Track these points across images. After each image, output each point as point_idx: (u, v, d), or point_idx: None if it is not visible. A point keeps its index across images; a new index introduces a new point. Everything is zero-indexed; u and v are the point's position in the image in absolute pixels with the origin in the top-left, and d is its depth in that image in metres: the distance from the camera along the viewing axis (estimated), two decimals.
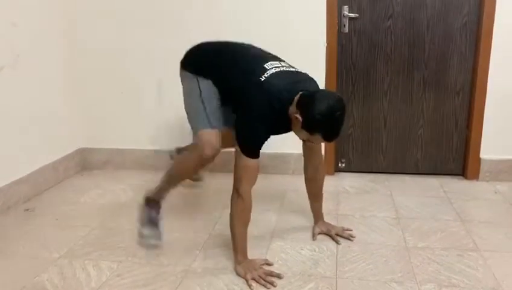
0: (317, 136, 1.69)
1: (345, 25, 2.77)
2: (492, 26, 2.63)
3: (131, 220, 2.38)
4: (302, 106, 1.70)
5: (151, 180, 2.89)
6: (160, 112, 3.06)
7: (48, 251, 2.06)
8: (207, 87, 1.90)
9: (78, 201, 2.67)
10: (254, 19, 2.81)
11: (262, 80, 1.75)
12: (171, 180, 2.09)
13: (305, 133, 1.72)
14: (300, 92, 1.73)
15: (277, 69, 1.81)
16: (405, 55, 2.79)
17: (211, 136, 1.87)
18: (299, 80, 1.83)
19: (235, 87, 1.84)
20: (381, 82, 2.85)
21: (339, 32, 2.78)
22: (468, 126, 2.83)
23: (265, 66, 1.81)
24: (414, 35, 2.76)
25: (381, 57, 2.81)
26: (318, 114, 1.64)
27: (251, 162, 1.77)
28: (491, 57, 2.67)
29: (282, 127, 1.82)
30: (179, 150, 2.44)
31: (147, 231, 2.09)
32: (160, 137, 3.03)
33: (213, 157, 1.89)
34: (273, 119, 1.75)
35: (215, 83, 1.90)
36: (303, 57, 2.72)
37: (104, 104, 3.14)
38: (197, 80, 1.91)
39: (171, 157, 2.53)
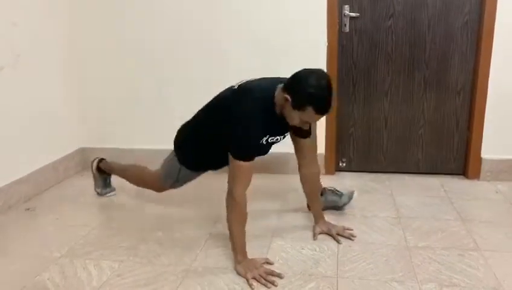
0: (309, 111, 1.69)
1: (345, 25, 2.77)
2: (494, 26, 2.63)
3: (132, 219, 2.39)
4: (289, 86, 1.72)
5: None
6: (161, 111, 3.06)
7: (49, 250, 2.07)
8: (187, 174, 2.18)
9: (79, 201, 2.67)
10: (254, 19, 2.81)
11: (235, 87, 1.85)
12: (123, 174, 2.53)
13: (296, 114, 1.72)
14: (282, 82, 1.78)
15: (249, 79, 1.90)
16: (406, 55, 2.79)
17: (169, 186, 2.25)
18: (276, 78, 1.87)
19: (214, 113, 1.94)
20: (382, 82, 2.85)
21: (339, 32, 2.78)
22: (469, 127, 2.83)
23: (232, 85, 1.92)
24: (415, 35, 2.75)
25: (382, 57, 2.81)
26: (308, 87, 1.66)
27: (245, 165, 1.78)
28: (492, 57, 2.66)
29: (276, 125, 1.83)
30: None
31: (105, 190, 2.67)
32: (160, 137, 3.02)
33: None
34: (261, 118, 1.76)
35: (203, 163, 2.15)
36: (303, 57, 2.74)
37: (104, 104, 3.14)
38: (179, 167, 2.16)
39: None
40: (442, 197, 2.60)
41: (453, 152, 2.91)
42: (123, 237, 2.18)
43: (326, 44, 2.77)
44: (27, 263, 1.97)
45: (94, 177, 2.70)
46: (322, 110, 1.71)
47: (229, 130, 1.78)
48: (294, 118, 1.75)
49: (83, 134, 3.19)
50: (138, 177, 2.44)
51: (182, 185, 2.24)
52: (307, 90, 1.67)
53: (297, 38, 2.77)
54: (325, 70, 2.77)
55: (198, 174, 2.22)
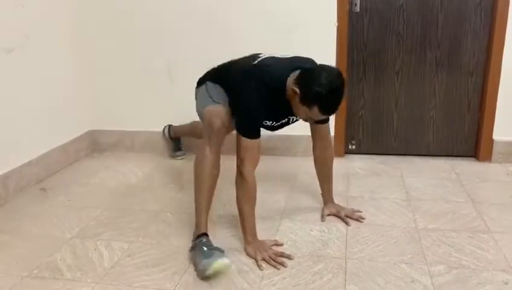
0: (315, 109, 1.68)
1: (356, 4, 2.72)
2: (508, 5, 2.56)
3: (142, 201, 2.41)
4: (300, 80, 1.70)
5: (161, 162, 2.93)
6: (170, 93, 3.05)
7: (61, 231, 2.10)
8: (213, 85, 1.96)
9: (89, 182, 2.70)
10: None
11: (255, 63, 1.82)
12: (199, 199, 1.92)
13: (303, 109, 1.71)
14: (299, 70, 1.74)
15: (272, 55, 1.87)
16: (417, 34, 2.74)
17: (216, 109, 1.86)
18: (296, 59, 1.85)
19: (231, 79, 1.88)
20: (392, 62, 2.80)
21: (350, 12, 2.73)
22: (481, 108, 2.79)
23: (258, 55, 1.89)
24: (427, 14, 2.70)
25: (393, 37, 2.76)
26: (317, 86, 1.64)
27: (251, 142, 1.78)
28: (506, 37, 2.61)
29: (281, 109, 1.82)
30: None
31: (205, 261, 1.72)
32: (170, 119, 3.03)
33: (223, 129, 1.85)
34: (269, 98, 1.75)
35: (221, 84, 1.95)
36: (313, 37, 2.70)
37: (114, 86, 3.14)
38: (205, 84, 2.00)
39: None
40: (453, 179, 2.58)
41: (464, 134, 2.88)
42: (133, 218, 2.20)
43: (336, 24, 2.72)
44: (39, 243, 2.00)
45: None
46: (327, 111, 1.70)
47: (237, 105, 1.81)
48: (301, 112, 1.75)
49: (93, 116, 3.20)
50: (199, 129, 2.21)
51: (218, 99, 1.91)
52: (316, 88, 1.64)
53: (307, 18, 2.73)
54: (335, 51, 2.76)
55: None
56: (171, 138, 2.99)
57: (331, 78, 1.66)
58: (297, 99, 1.70)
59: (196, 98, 2.07)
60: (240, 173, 1.81)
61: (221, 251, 1.75)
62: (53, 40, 2.84)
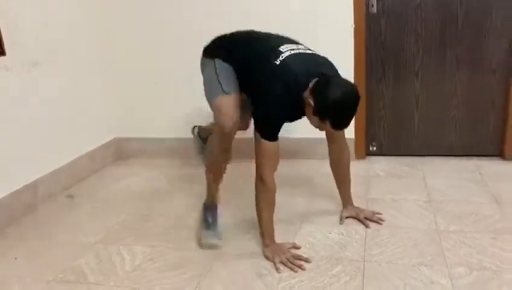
0: (327, 123, 1.68)
1: (373, 5, 2.70)
2: None
3: (164, 206, 2.47)
4: (315, 92, 1.69)
5: (185, 168, 2.97)
6: (194, 100, 3.08)
7: (86, 236, 2.17)
8: (222, 65, 1.91)
9: (115, 189, 2.78)
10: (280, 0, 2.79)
11: (278, 63, 1.75)
12: (209, 173, 2.10)
13: (315, 119, 1.72)
14: (316, 78, 1.72)
15: (292, 52, 1.79)
16: (436, 32, 2.70)
17: (227, 105, 1.85)
18: (315, 63, 1.81)
19: (251, 71, 1.85)
20: (412, 62, 2.77)
21: (367, 13, 2.72)
22: (505, 106, 2.72)
23: (280, 49, 1.80)
24: (446, 12, 2.65)
25: (411, 36, 2.72)
26: (330, 101, 1.64)
27: (270, 145, 1.78)
28: None
29: (298, 112, 1.82)
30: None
31: (205, 232, 2.04)
32: (192, 126, 3.07)
33: (234, 127, 1.88)
34: (289, 103, 1.75)
35: (232, 65, 1.91)
36: (330, 39, 2.69)
37: (138, 94, 3.21)
38: (214, 62, 1.93)
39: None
40: (477, 180, 2.53)
41: (488, 133, 2.81)
42: (155, 223, 2.25)
43: (353, 26, 2.72)
44: (66, 248, 2.07)
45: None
46: (337, 126, 1.71)
47: (259, 105, 1.79)
48: (313, 121, 1.75)
49: (118, 124, 3.29)
50: (209, 149, 2.25)
51: (228, 86, 1.89)
52: (330, 103, 1.64)
53: (323, 20, 2.73)
54: (353, 52, 2.75)
55: (233, 72, 1.92)
56: (200, 137, 2.68)
57: (346, 94, 1.66)
58: (311, 110, 1.71)
59: (203, 73, 2.01)
60: (259, 177, 1.82)
61: (219, 231, 2.05)
62: (79, 51, 2.93)
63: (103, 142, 3.20)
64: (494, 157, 2.82)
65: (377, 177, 2.68)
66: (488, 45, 2.66)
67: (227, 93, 1.86)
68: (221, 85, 1.88)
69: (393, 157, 2.93)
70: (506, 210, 2.15)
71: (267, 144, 1.78)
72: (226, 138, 1.91)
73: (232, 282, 1.72)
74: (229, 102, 1.86)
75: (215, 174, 2.08)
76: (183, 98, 3.12)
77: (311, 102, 1.68)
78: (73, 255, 1.99)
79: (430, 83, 2.79)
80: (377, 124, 2.93)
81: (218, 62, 1.92)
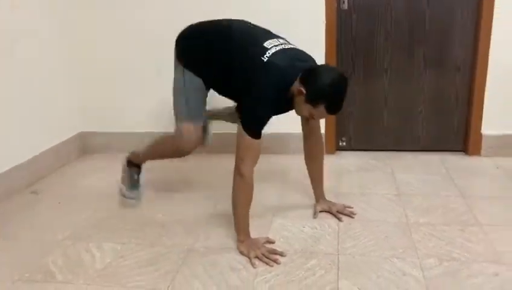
0: (321, 108, 1.70)
1: (344, 1, 2.73)
2: (494, 0, 2.59)
3: (133, 203, 2.39)
4: (307, 80, 1.71)
5: (152, 164, 2.91)
6: (160, 94, 3.04)
7: (52, 233, 2.08)
8: (193, 80, 1.94)
9: (80, 185, 2.69)
10: None
11: (265, 60, 1.74)
12: (148, 154, 2.27)
13: (308, 107, 1.73)
14: (303, 70, 1.74)
15: (277, 48, 1.79)
16: (405, 30, 2.76)
17: (191, 132, 1.97)
18: (300, 58, 1.83)
19: (236, 70, 1.83)
20: (381, 59, 2.82)
21: (338, 9, 2.74)
22: (469, 103, 2.81)
23: (264, 45, 1.80)
24: (414, 11, 2.72)
25: (381, 34, 2.78)
26: (324, 85, 1.67)
27: (255, 141, 1.77)
28: (492, 32, 2.64)
29: (284, 107, 1.83)
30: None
31: (128, 191, 2.31)
32: (160, 120, 3.02)
33: (190, 152, 2.04)
34: (277, 99, 1.75)
35: (205, 79, 1.93)
36: (302, 35, 2.68)
37: (103, 87, 3.13)
38: (184, 72, 1.95)
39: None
40: (443, 174, 2.60)
41: (453, 129, 2.90)
42: (125, 220, 2.19)
43: (324, 22, 2.73)
44: (31, 246, 1.98)
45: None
46: (333, 109, 1.73)
47: (247, 101, 1.78)
48: (303, 110, 1.76)
49: (83, 118, 3.19)
50: (160, 145, 2.21)
51: (196, 110, 1.97)
52: (324, 88, 1.68)
53: (295, 15, 2.74)
54: (324, 48, 2.77)
55: (203, 89, 1.98)
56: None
57: (337, 78, 1.71)
58: (302, 98, 1.71)
59: (174, 70, 2.00)
60: (239, 172, 1.80)
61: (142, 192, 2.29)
62: (43, 42, 2.82)
63: (67, 137, 3.09)
64: (458, 152, 2.92)
65: (347, 171, 2.72)
66: (453, 44, 2.74)
67: (191, 120, 1.96)
68: (189, 112, 1.96)
69: (363, 152, 2.98)
70: (471, 203, 2.22)
71: (251, 140, 1.76)
72: (179, 154, 2.09)
73: (208, 277, 1.70)
74: (192, 130, 1.97)
75: (154, 158, 2.27)
76: (150, 92, 3.06)
77: (303, 90, 1.68)
78: (40, 253, 1.91)
79: (399, 80, 2.85)
80: (347, 120, 2.96)
81: (189, 75, 1.94)
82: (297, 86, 1.72)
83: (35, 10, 2.75)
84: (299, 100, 1.73)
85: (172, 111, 2.04)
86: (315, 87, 1.68)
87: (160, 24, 2.91)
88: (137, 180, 2.31)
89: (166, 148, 2.16)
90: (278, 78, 1.73)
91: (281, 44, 1.83)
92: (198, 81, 1.94)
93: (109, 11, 2.96)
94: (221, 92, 2.00)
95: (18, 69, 2.61)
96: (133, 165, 2.30)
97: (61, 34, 2.97)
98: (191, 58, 1.97)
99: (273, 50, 1.77)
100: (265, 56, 1.75)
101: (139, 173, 2.31)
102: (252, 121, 1.77)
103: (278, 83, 1.73)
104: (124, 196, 2.31)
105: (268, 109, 1.76)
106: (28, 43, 2.68)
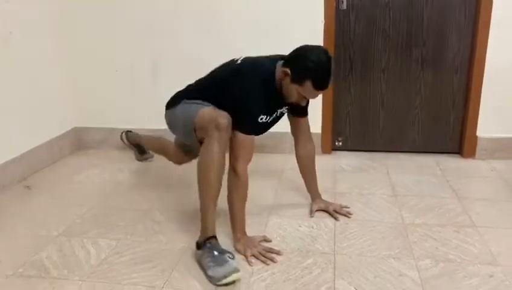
0: (308, 85, 1.71)
1: (343, 2, 2.73)
2: (492, 2, 2.60)
3: (129, 199, 2.39)
4: (289, 60, 1.76)
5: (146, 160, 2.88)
6: (155, 90, 3.02)
7: (46, 229, 2.06)
8: (192, 101, 1.90)
9: (75, 180, 2.66)
10: None
11: (239, 62, 1.85)
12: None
13: (295, 88, 1.74)
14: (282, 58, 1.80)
15: (249, 55, 1.89)
16: (403, 32, 2.76)
17: (210, 110, 1.78)
18: (275, 54, 1.88)
19: (222, 83, 1.84)
20: (378, 60, 2.83)
21: (336, 9, 2.74)
22: (465, 105, 2.83)
23: (234, 58, 1.91)
24: (412, 12, 2.73)
25: (379, 34, 2.78)
26: (307, 61, 1.69)
27: (248, 139, 1.78)
28: (489, 35, 2.65)
29: (272, 100, 1.84)
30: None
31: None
32: (154, 116, 2.99)
33: (229, 123, 1.73)
34: (265, 90, 1.77)
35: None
36: (300, 35, 2.69)
37: (98, 82, 3.10)
38: (182, 103, 1.93)
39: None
40: (438, 176, 2.62)
41: (449, 131, 2.92)
42: (120, 216, 2.17)
43: (323, 22, 2.74)
44: (24, 241, 1.96)
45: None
46: (320, 85, 1.73)
47: (235, 103, 1.77)
48: (293, 93, 1.77)
49: (77, 113, 3.16)
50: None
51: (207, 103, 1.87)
52: (307, 64, 1.69)
53: (294, 14, 2.74)
54: None
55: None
56: (131, 143, 2.84)
57: (319, 53, 1.72)
58: (288, 80, 1.74)
59: (172, 119, 1.99)
60: (233, 170, 1.80)
61: (232, 256, 1.72)
62: (37, 36, 2.78)
63: (61, 132, 3.06)
64: (453, 155, 2.93)
65: (343, 171, 2.72)
66: (450, 46, 2.75)
67: (207, 105, 1.81)
68: (198, 104, 1.84)
69: (358, 152, 2.99)
70: (466, 205, 2.23)
71: (245, 137, 1.77)
72: (224, 135, 1.72)
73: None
74: (212, 109, 1.79)
75: (213, 192, 1.75)
76: (145, 88, 3.04)
77: (288, 70, 1.72)
78: (34, 249, 1.88)
79: (396, 81, 2.86)
80: (343, 120, 2.97)
81: (186, 101, 1.93)
82: (281, 69, 1.75)
83: (31, 2, 2.71)
84: (286, 83, 1.76)
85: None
86: (299, 65, 1.71)
87: (158, 18, 2.89)
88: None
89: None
90: (259, 69, 1.79)
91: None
92: (199, 101, 1.89)
93: (106, 5, 2.93)
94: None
95: (12, 63, 2.58)
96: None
97: (56, 27, 2.94)
98: (186, 96, 1.97)
99: (243, 56, 1.89)
100: (238, 60, 1.86)
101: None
102: (245, 117, 1.77)
103: (260, 73, 1.78)
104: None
105: (259, 102, 1.77)
106: (23, 37, 2.65)
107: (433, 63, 2.80)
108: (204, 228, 1.76)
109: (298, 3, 2.73)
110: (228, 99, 1.79)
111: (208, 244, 1.72)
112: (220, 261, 1.65)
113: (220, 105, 1.79)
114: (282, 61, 1.80)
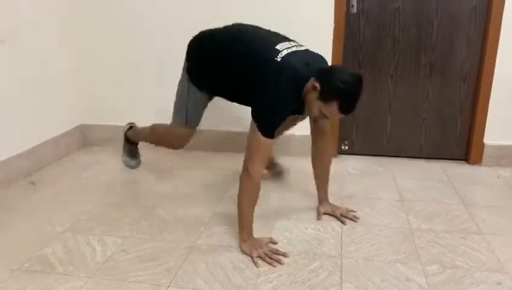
0: (333, 106, 1.67)
1: (353, 5, 2.73)
2: (502, 11, 2.60)
3: (134, 196, 2.40)
4: (321, 76, 1.70)
5: (153, 157, 2.89)
6: (161, 88, 3.01)
7: (51, 225, 2.06)
8: (195, 93, 2.06)
9: (80, 177, 2.66)
10: None
11: (279, 60, 1.75)
12: (144, 138, 2.57)
13: (319, 104, 1.71)
14: (317, 70, 1.74)
15: (289, 50, 1.80)
16: (413, 37, 2.76)
17: (184, 135, 2.19)
18: (313, 59, 1.83)
19: (248, 72, 1.82)
20: (387, 64, 2.82)
21: (347, 13, 2.74)
22: (473, 112, 2.82)
23: (277, 47, 1.80)
24: (422, 18, 2.72)
25: (388, 39, 2.78)
26: (339, 81, 1.65)
27: (267, 141, 1.76)
28: (499, 43, 2.64)
29: (296, 108, 1.81)
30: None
31: (128, 158, 2.75)
32: (160, 114, 2.99)
33: (182, 148, 2.29)
34: (291, 98, 1.74)
35: (215, 85, 2.02)
36: (309, 37, 2.69)
37: (105, 80, 3.10)
38: (189, 85, 2.06)
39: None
40: (444, 182, 2.61)
41: (455, 137, 2.90)
42: (125, 213, 2.17)
43: (333, 25, 2.73)
44: (29, 237, 1.96)
45: (123, 147, 2.80)
46: (345, 108, 1.69)
47: (261, 100, 1.75)
48: (315, 108, 1.73)
49: (83, 110, 3.16)
50: (160, 134, 2.42)
51: (193, 120, 2.14)
52: (338, 84, 1.65)
53: (303, 19, 2.73)
54: (331, 51, 2.76)
55: (205, 102, 2.14)
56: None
57: (353, 77, 1.68)
58: (314, 94, 1.70)
59: (181, 76, 2.13)
60: (247, 171, 1.78)
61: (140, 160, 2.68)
62: (44, 32, 2.79)
63: (67, 129, 3.06)
64: (459, 161, 2.92)
65: (349, 175, 2.71)
66: (459, 53, 2.75)
67: (186, 125, 2.14)
68: (185, 116, 2.12)
69: (364, 156, 2.98)
70: (473, 211, 2.22)
71: (264, 139, 1.75)
72: (172, 148, 2.40)
73: (211, 275, 1.68)
74: (185, 133, 2.18)
75: (153, 142, 2.49)
76: (151, 86, 3.04)
77: (317, 85, 1.67)
78: (39, 244, 1.88)
79: (404, 86, 2.85)
80: (350, 124, 2.96)
81: (193, 88, 2.06)
82: (312, 81, 1.71)
83: (37, 1, 2.72)
84: (311, 97, 1.71)
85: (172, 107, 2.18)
86: (330, 84, 1.66)
87: (163, 16, 2.89)
88: (137, 152, 2.75)
89: (161, 140, 2.43)
90: (293, 78, 1.72)
91: (293, 46, 1.84)
92: (201, 95, 2.07)
93: (111, 4, 2.94)
94: (232, 98, 2.03)
95: (20, 59, 2.59)
96: (131, 142, 2.69)
97: (62, 25, 2.94)
98: (199, 77, 2.05)
99: (285, 52, 1.78)
100: (278, 57, 1.75)
101: (136, 146, 2.73)
102: (267, 119, 1.75)
103: (293, 82, 1.72)
104: (126, 163, 2.75)
105: (283, 109, 1.75)
106: (30, 33, 2.65)
107: (442, 70, 2.79)
108: (137, 137, 2.65)
109: (308, 5, 2.73)
110: (257, 93, 1.76)
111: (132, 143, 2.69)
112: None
113: (232, 98, 2.00)
114: (317, 70, 1.74)
